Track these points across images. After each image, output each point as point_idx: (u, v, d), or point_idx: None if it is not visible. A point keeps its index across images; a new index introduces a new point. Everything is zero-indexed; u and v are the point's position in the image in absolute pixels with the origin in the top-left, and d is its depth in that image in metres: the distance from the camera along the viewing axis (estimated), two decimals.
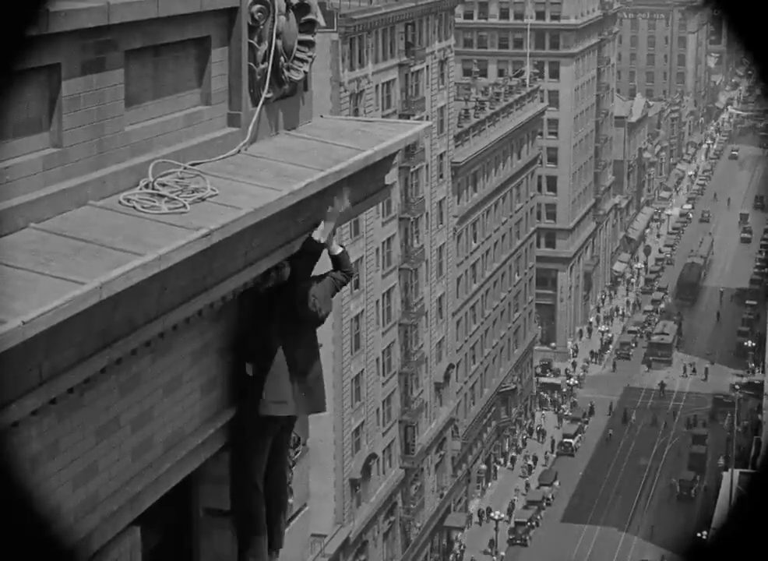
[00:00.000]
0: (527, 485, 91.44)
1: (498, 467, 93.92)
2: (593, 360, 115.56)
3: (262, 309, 8.79)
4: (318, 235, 8.74)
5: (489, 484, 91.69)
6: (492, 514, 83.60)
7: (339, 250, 9.15)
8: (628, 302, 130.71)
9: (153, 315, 7.43)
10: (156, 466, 7.90)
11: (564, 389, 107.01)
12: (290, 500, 9.73)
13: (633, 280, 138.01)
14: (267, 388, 8.72)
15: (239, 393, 8.87)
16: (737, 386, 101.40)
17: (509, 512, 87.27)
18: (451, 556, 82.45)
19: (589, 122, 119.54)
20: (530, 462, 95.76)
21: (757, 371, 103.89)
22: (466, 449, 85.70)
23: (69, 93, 7.29)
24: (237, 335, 8.86)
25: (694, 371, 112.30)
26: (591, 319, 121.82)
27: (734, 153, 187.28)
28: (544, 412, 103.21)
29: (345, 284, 9.20)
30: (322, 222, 8.78)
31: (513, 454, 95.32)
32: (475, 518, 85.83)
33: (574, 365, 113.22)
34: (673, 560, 79.48)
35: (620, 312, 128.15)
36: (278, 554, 9.43)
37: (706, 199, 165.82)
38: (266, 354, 8.74)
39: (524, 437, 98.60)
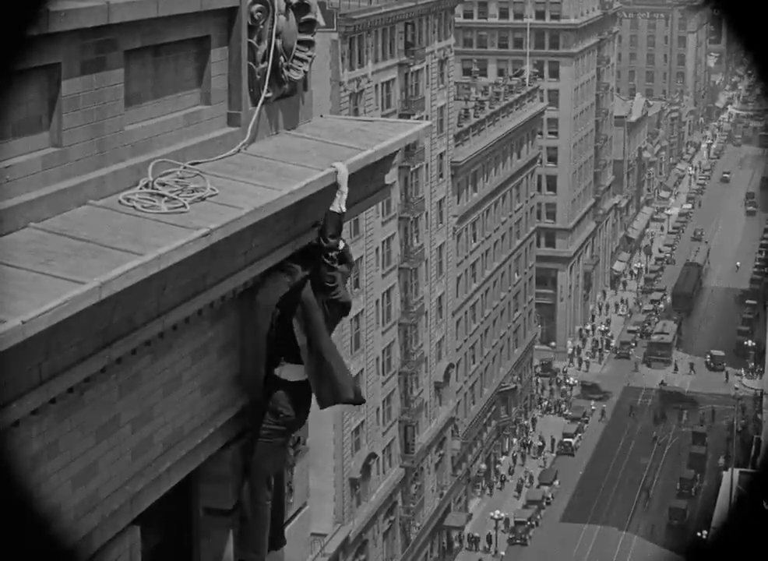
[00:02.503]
0: (531, 477, 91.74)
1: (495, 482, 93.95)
2: (593, 356, 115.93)
3: (289, 307, 8.77)
4: (336, 206, 8.71)
5: (491, 488, 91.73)
6: (492, 514, 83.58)
7: (341, 245, 9.15)
8: (627, 302, 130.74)
9: (153, 315, 7.43)
10: (156, 465, 7.90)
11: (561, 373, 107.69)
12: (291, 499, 9.73)
13: (635, 273, 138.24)
14: (329, 380, 8.78)
15: (260, 392, 8.87)
16: (736, 387, 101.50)
17: (518, 489, 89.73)
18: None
19: (588, 122, 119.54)
20: (539, 443, 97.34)
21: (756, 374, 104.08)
22: (466, 448, 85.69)
23: (69, 93, 7.30)
24: (254, 337, 8.85)
25: (674, 369, 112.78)
26: (588, 327, 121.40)
27: (725, 175, 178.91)
28: (538, 422, 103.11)
29: (349, 276, 9.26)
30: (337, 192, 8.75)
31: (505, 474, 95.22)
32: (466, 543, 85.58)
33: (579, 361, 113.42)
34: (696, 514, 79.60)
35: (620, 312, 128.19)
36: (279, 551, 9.45)
37: (698, 216, 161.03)
38: (312, 348, 8.75)
39: (518, 452, 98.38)
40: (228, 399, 8.81)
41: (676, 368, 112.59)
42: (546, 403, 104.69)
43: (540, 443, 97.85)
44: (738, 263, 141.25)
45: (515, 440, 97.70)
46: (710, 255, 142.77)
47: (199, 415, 8.43)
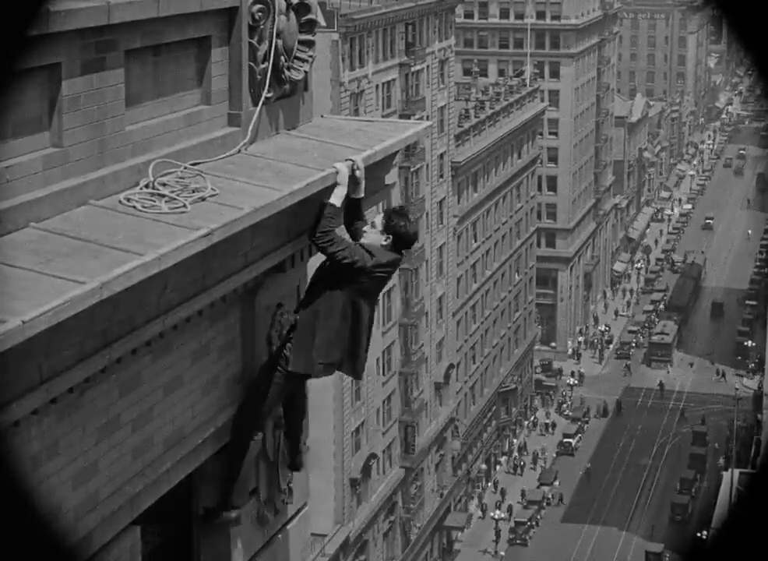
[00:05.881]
0: (539, 474, 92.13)
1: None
2: (592, 356, 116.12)
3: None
4: (333, 200, 8.66)
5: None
6: (493, 514, 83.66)
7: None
8: (628, 302, 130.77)
9: (154, 314, 7.44)
10: (157, 465, 7.90)
11: (562, 389, 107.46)
12: (291, 500, 9.73)
13: (635, 275, 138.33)
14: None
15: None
16: (737, 387, 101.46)
17: (534, 460, 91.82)
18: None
19: (589, 122, 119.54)
20: (546, 420, 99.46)
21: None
22: (466, 448, 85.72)
23: (69, 93, 7.29)
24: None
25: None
26: (586, 333, 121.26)
27: (708, 221, 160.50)
28: (548, 411, 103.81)
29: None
30: (337, 186, 8.71)
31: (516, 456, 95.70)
32: (478, 513, 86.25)
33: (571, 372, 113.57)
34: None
35: (621, 312, 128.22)
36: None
37: (688, 236, 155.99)
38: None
39: (525, 435, 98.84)
40: (228, 399, 8.82)
41: (628, 368, 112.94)
42: (532, 419, 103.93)
43: (547, 421, 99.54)
44: (750, 231, 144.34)
45: (514, 440, 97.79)
46: (710, 258, 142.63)
47: (199, 415, 8.44)
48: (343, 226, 8.71)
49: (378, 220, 8.91)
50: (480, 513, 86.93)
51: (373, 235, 8.86)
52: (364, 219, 9.16)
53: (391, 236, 8.82)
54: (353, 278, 8.64)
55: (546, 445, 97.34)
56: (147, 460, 7.83)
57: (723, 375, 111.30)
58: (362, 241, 8.79)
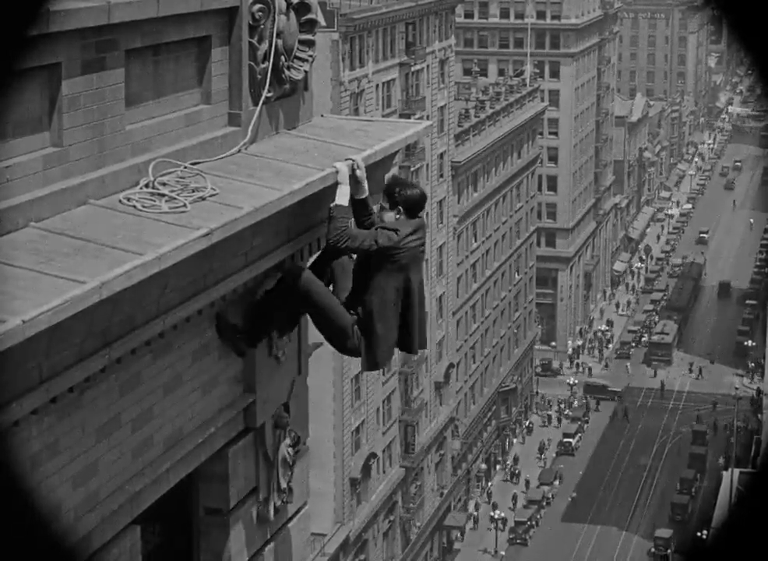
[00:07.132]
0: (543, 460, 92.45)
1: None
2: (591, 355, 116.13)
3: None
4: (339, 200, 8.68)
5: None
6: (493, 514, 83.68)
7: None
8: (628, 302, 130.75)
9: (153, 314, 7.43)
10: (156, 465, 7.90)
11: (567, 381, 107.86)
12: (291, 499, 9.72)
13: (635, 275, 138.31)
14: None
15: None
16: (737, 386, 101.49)
17: (541, 450, 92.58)
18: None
19: (589, 122, 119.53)
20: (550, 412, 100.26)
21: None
22: (466, 448, 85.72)
23: (69, 93, 7.29)
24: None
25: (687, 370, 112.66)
26: (586, 334, 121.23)
27: (702, 235, 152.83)
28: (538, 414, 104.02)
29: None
30: (339, 186, 8.72)
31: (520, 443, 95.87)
32: (471, 525, 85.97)
33: (577, 365, 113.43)
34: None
35: (620, 312, 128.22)
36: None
37: (687, 240, 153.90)
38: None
39: (520, 441, 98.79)
40: (228, 399, 8.81)
41: (655, 370, 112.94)
42: (527, 424, 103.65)
43: (549, 414, 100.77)
44: (752, 220, 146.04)
45: (514, 441, 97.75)
46: (710, 259, 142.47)
47: (199, 415, 8.43)
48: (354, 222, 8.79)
49: (383, 200, 8.98)
50: (472, 524, 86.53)
51: (386, 216, 8.91)
52: (372, 211, 9.18)
53: (400, 207, 8.86)
54: (390, 260, 8.66)
55: (551, 437, 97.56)
56: (147, 459, 7.82)
57: (700, 372, 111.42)
58: (381, 224, 8.85)
